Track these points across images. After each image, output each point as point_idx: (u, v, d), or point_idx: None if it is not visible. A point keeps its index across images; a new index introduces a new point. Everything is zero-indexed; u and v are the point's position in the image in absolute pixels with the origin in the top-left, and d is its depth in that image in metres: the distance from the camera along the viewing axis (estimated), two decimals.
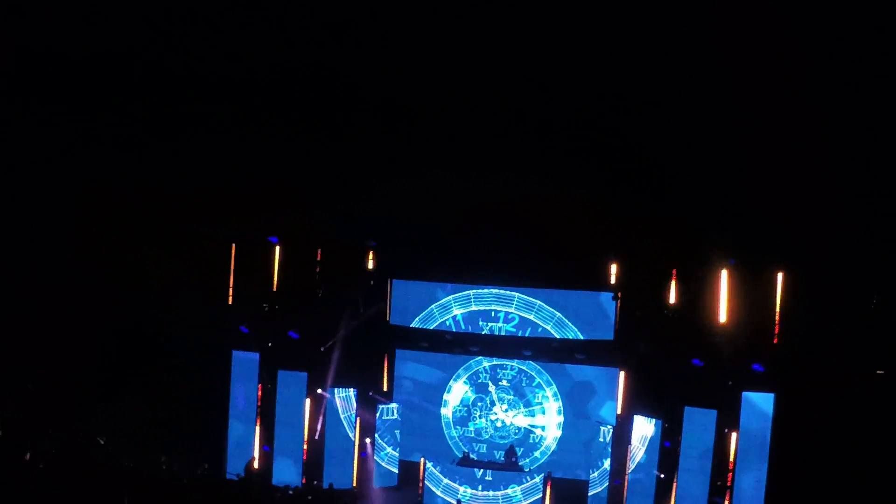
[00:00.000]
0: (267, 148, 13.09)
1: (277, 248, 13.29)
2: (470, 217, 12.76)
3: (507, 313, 12.80)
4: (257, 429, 12.99)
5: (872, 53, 10.68)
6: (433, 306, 12.96)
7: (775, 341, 12.17)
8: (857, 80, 11.00)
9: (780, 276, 12.15)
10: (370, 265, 12.99)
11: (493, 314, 12.79)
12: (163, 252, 13.20)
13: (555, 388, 12.75)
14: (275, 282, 13.26)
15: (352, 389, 12.94)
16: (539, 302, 12.66)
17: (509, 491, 12.89)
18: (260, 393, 12.91)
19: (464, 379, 12.96)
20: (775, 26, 10.59)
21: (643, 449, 12.31)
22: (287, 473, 12.65)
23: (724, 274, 12.18)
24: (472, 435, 12.98)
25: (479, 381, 12.93)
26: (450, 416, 13.03)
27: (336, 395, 13.05)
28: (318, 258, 13.19)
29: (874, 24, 10.66)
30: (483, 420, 12.94)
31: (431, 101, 12.71)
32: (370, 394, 12.55)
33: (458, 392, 12.97)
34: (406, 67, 11.91)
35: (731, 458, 12.10)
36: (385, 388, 12.92)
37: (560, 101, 11.83)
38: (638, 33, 11.35)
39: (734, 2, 10.96)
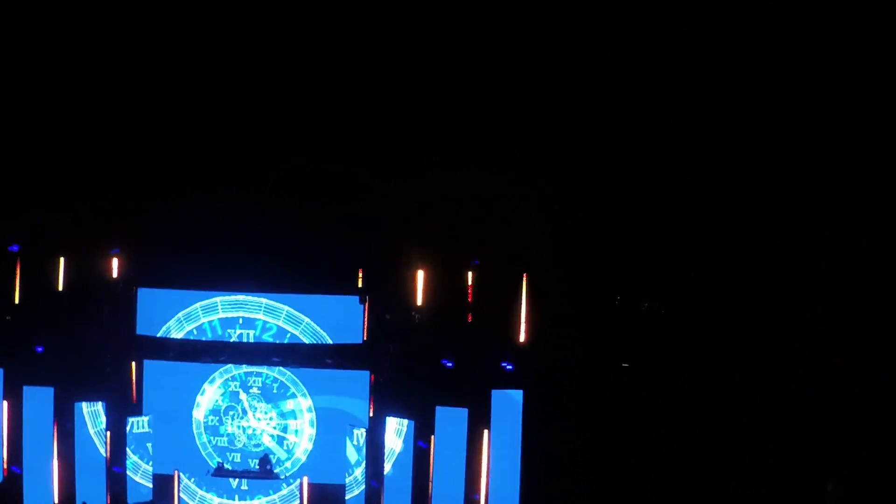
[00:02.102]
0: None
1: (18, 259, 12.88)
2: (217, 222, 12.77)
3: (257, 320, 12.81)
4: (4, 450, 12.61)
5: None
6: (180, 314, 12.85)
7: (522, 339, 12.56)
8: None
9: (524, 276, 12.54)
10: (115, 273, 12.72)
11: (240, 321, 12.78)
12: None
13: (306, 392, 12.97)
14: (16, 293, 12.88)
15: (100, 403, 12.71)
16: (287, 308, 12.74)
17: (266, 499, 12.92)
18: (6, 412, 12.55)
19: (217, 384, 12.95)
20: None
21: (398, 450, 12.56)
22: (39, 493, 12.32)
23: (470, 275, 12.48)
24: (226, 444, 13.03)
25: (230, 389, 12.93)
26: (202, 424, 13.00)
27: (84, 410, 12.77)
28: (61, 268, 12.80)
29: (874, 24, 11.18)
30: (236, 428, 12.96)
31: (180, 99, 12.59)
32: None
33: (209, 398, 12.95)
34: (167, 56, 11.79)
35: (486, 454, 12.47)
36: (134, 400, 12.71)
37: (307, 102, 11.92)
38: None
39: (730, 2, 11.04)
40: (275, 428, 13.55)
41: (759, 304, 12.83)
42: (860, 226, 12.23)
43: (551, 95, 12.17)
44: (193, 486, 13.35)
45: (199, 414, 13.62)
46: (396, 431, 13.14)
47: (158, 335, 13.48)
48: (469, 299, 12.98)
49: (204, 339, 13.42)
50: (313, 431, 13.53)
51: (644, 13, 11.59)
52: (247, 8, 11.78)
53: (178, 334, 13.47)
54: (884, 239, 12.35)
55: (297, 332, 13.36)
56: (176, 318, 13.49)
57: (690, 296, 13.10)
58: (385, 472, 13.12)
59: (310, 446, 13.55)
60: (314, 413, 13.51)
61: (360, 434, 13.28)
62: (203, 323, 13.47)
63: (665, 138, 12.50)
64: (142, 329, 13.45)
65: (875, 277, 12.38)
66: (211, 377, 13.59)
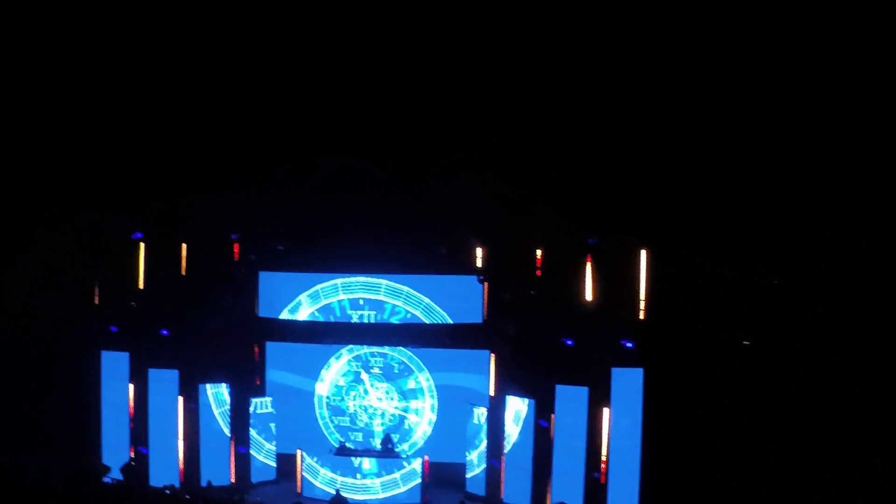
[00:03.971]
0: (124, 143, 13.24)
1: (142, 245, 13.42)
2: (334, 206, 13.12)
3: (377, 301, 13.21)
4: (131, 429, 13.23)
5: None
6: (301, 296, 13.31)
7: (642, 317, 12.70)
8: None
9: (643, 253, 12.67)
10: (236, 258, 13.22)
11: (360, 302, 13.19)
12: (24, 252, 13.35)
13: (427, 373, 13.42)
14: (141, 279, 13.44)
15: (224, 385, 13.20)
16: (407, 288, 13.10)
17: (387, 477, 13.34)
18: (132, 393, 13.14)
19: (339, 365, 13.41)
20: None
21: (518, 428, 12.84)
22: (164, 472, 12.89)
23: (589, 253, 12.64)
24: (348, 423, 13.49)
25: (352, 369, 13.36)
26: (324, 404, 13.47)
27: (208, 391, 13.32)
28: (183, 253, 13.32)
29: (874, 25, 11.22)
30: (357, 408, 13.40)
31: (290, 97, 12.98)
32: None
33: (330, 379, 13.44)
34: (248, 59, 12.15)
35: (605, 433, 12.66)
36: (257, 382, 13.22)
37: (403, 93, 12.19)
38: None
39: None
40: (396, 407, 13.95)
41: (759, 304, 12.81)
42: (860, 226, 12.17)
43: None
44: (316, 465, 13.85)
45: (320, 394, 14.08)
46: (515, 415, 13.41)
47: (280, 317, 13.95)
48: (587, 277, 13.13)
49: (325, 319, 13.87)
50: (434, 411, 13.90)
51: (644, 14, 11.60)
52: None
53: (300, 316, 13.94)
54: (884, 239, 12.28)
55: (417, 313, 13.71)
56: (297, 300, 13.96)
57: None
58: (505, 451, 13.44)
59: (430, 425, 13.92)
60: (435, 392, 13.87)
61: (481, 413, 13.61)
62: (323, 305, 13.91)
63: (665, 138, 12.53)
64: (263, 312, 13.93)
65: (875, 277, 12.32)
66: (331, 358, 14.03)
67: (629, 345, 13.15)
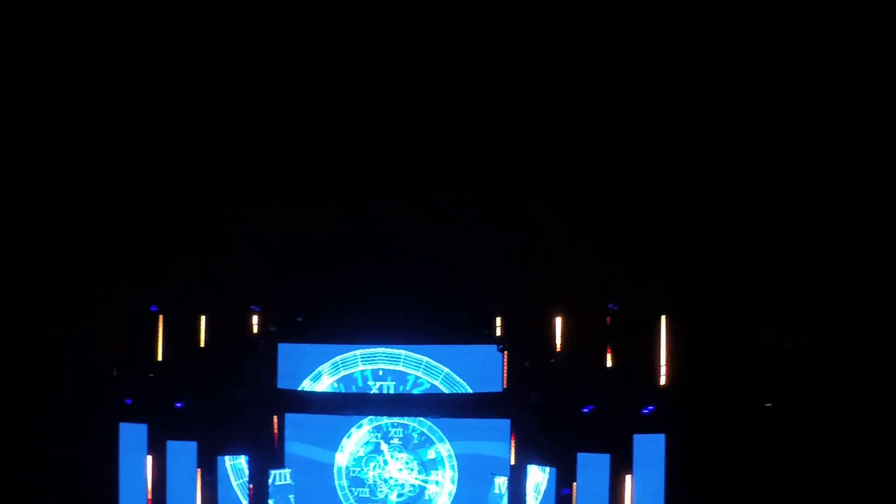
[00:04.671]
0: (141, 208, 13.41)
1: (160, 317, 13.54)
2: (353, 277, 13.25)
3: (397, 372, 13.30)
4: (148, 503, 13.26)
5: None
6: (322, 367, 13.41)
7: (663, 383, 12.78)
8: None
9: (663, 318, 12.76)
10: (255, 329, 13.33)
11: (380, 373, 13.27)
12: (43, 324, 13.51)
13: (447, 442, 13.39)
14: (159, 351, 13.55)
15: (243, 456, 13.26)
16: (426, 358, 13.19)
17: None
18: (151, 466, 13.19)
19: (358, 436, 13.48)
20: None
21: (539, 498, 12.85)
22: None
23: (608, 319, 12.75)
24: (367, 495, 13.50)
25: (371, 440, 13.41)
26: (343, 475, 13.51)
27: (227, 463, 13.36)
28: (202, 325, 13.44)
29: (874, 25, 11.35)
30: (377, 479, 13.44)
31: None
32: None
33: (350, 450, 13.49)
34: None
35: (628, 500, 12.67)
36: (276, 453, 13.27)
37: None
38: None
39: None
40: (416, 478, 13.96)
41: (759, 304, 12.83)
42: (860, 226, 12.28)
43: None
44: None
45: (340, 465, 14.09)
46: (535, 487, 13.39)
47: (299, 388, 14.03)
48: (608, 343, 13.21)
49: (345, 390, 13.93)
50: (454, 481, 13.90)
51: (644, 13, 11.79)
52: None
53: (320, 387, 14.01)
54: (884, 239, 12.38)
55: (436, 383, 13.78)
56: (317, 371, 14.05)
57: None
58: None
59: (450, 496, 13.91)
60: (455, 462, 13.89)
61: (502, 483, 13.60)
62: (343, 375, 13.98)
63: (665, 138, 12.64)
64: (283, 383, 14.01)
65: (875, 277, 12.42)
66: (350, 429, 14.07)
67: (650, 410, 13.21)
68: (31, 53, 12.59)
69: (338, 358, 14.03)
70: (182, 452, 13.78)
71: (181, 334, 14.03)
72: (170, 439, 13.81)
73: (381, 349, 13.90)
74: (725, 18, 11.39)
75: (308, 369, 14.11)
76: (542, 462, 13.40)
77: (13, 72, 12.60)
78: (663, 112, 12.42)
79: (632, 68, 12.13)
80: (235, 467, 14.01)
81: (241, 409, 13.83)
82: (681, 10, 11.60)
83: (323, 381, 14.09)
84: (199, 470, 13.69)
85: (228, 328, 13.92)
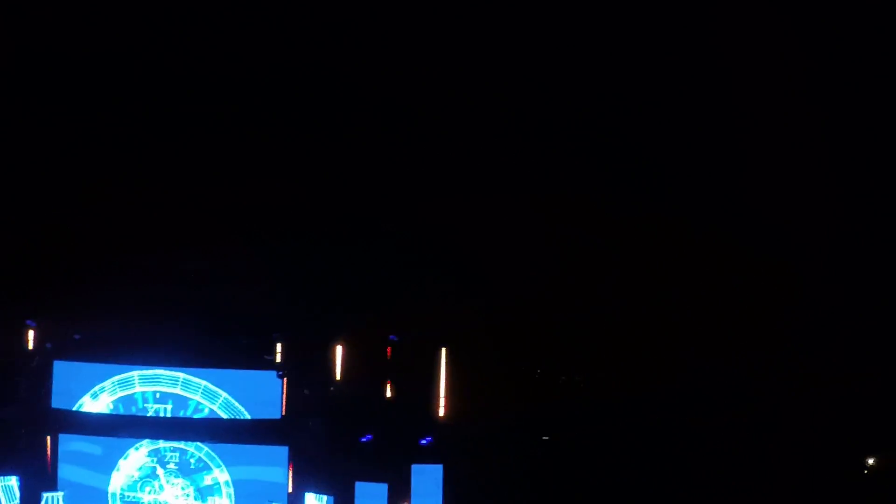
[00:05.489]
0: None
1: None
2: (134, 296, 13.05)
3: (175, 395, 13.14)
4: None
5: None
6: (98, 387, 13.16)
7: (442, 414, 12.97)
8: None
9: (443, 351, 12.95)
10: (30, 345, 13.00)
11: (157, 395, 13.10)
12: None
13: (224, 468, 13.32)
14: None
15: (14, 478, 12.93)
16: (205, 382, 13.08)
17: None
18: None
19: (134, 458, 13.25)
20: None
21: None
22: None
23: (389, 350, 12.88)
24: None
25: (146, 463, 13.21)
26: (118, 499, 13.28)
27: None
28: None
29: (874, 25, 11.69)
30: None
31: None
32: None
33: (125, 473, 13.25)
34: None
35: None
36: (49, 474, 12.96)
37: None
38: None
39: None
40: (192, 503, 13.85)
41: (759, 304, 13.07)
42: (860, 226, 12.58)
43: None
44: None
45: (114, 489, 13.86)
46: None
47: (74, 408, 13.74)
48: (388, 374, 13.38)
49: (123, 411, 13.71)
50: None
51: (644, 13, 11.95)
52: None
53: (97, 407, 13.75)
54: (884, 239, 12.70)
55: (215, 407, 13.69)
56: (93, 391, 13.79)
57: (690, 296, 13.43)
58: None
59: None
60: (232, 488, 13.82)
61: None
62: (120, 396, 13.75)
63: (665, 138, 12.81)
64: (57, 402, 13.70)
65: (875, 277, 12.73)
66: (126, 452, 13.86)
67: (428, 441, 13.41)
68: (31, 53, 12.31)
69: (115, 378, 13.80)
70: None
71: None
72: None
73: (159, 371, 13.74)
74: (725, 19, 11.48)
75: (85, 388, 13.84)
76: (320, 490, 13.45)
77: (13, 72, 12.18)
78: (664, 112, 12.50)
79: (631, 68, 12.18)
80: (6, 489, 13.65)
81: (13, 428, 13.51)
82: (681, 11, 11.67)
83: (100, 400, 13.84)
84: None
85: (2, 342, 13.54)
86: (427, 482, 13.39)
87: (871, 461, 12.73)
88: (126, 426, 13.72)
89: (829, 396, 12.81)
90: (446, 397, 13.46)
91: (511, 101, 12.46)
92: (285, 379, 13.48)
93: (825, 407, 12.78)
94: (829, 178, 12.37)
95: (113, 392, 13.79)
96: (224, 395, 13.67)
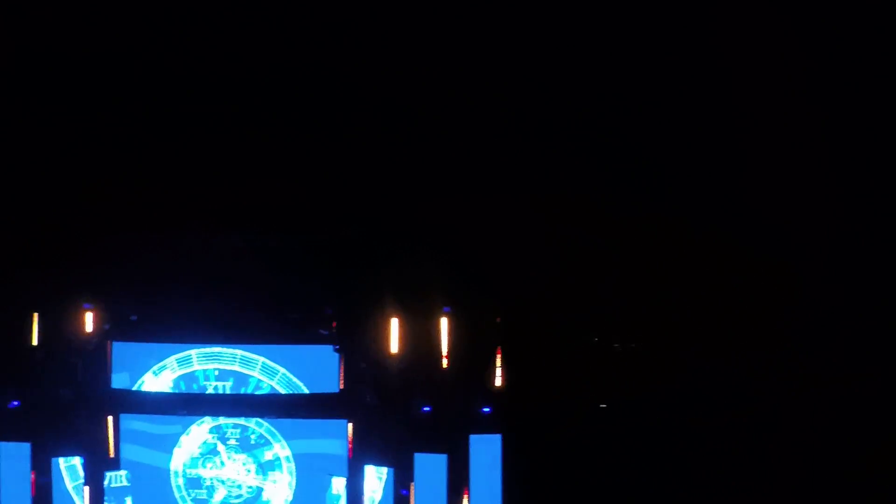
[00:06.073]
0: None
1: None
2: (188, 274, 13.19)
3: (233, 371, 13.33)
4: None
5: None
6: (157, 366, 13.36)
7: (499, 384, 13.00)
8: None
9: (499, 320, 12.98)
10: (88, 328, 13.19)
11: (216, 373, 13.29)
12: None
13: (285, 442, 13.46)
14: None
15: (78, 458, 13.17)
16: (262, 359, 13.22)
17: None
18: None
19: (194, 436, 13.46)
20: None
21: (378, 498, 13.01)
22: None
23: (444, 321, 12.92)
24: (205, 496, 13.52)
25: (207, 440, 13.42)
26: (180, 476, 13.49)
27: (61, 465, 13.26)
28: (34, 322, 13.27)
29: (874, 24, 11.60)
30: (214, 480, 13.45)
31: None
32: None
33: (186, 450, 13.45)
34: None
35: (465, 499, 12.92)
36: (112, 455, 13.18)
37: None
38: None
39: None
40: (254, 479, 14.01)
41: (759, 304, 13.05)
42: (860, 226, 12.53)
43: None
44: None
45: (176, 466, 14.08)
46: (377, 478, 13.61)
47: (134, 388, 13.95)
48: (444, 345, 13.41)
49: (182, 390, 13.91)
50: (293, 481, 14.00)
51: (644, 13, 11.93)
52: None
53: (156, 387, 13.96)
54: (884, 239, 12.64)
55: (273, 383, 13.83)
56: (152, 370, 13.99)
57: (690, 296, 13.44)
58: None
59: (289, 496, 14.01)
60: (293, 463, 13.98)
61: (340, 483, 13.73)
62: (179, 375, 13.95)
63: (665, 138, 12.81)
64: (117, 383, 13.91)
65: (875, 277, 12.69)
66: (188, 429, 14.05)
67: (487, 410, 13.46)
68: (32, 53, 12.43)
69: (173, 357, 13.98)
70: (15, 454, 13.62)
71: (13, 332, 13.82)
72: (2, 440, 13.66)
73: (216, 348, 13.89)
74: (725, 18, 11.49)
75: (144, 368, 14.04)
76: (379, 462, 13.57)
77: (13, 72, 12.38)
78: (664, 112, 12.55)
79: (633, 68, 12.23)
80: (70, 469, 13.90)
81: (75, 410, 13.72)
82: (681, 11, 11.69)
83: (162, 377, 14.04)
84: (33, 472, 13.56)
85: (61, 326, 13.75)
86: (486, 452, 13.46)
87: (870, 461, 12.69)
88: (185, 404, 13.89)
89: (829, 396, 12.73)
90: (503, 367, 13.48)
91: (511, 101, 12.51)
92: (342, 353, 13.58)
93: (825, 407, 12.72)
94: (829, 178, 12.30)
95: (174, 370, 13.99)
96: (282, 370, 13.81)
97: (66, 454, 13.81)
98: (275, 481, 14.01)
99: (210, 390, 13.94)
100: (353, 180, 13.39)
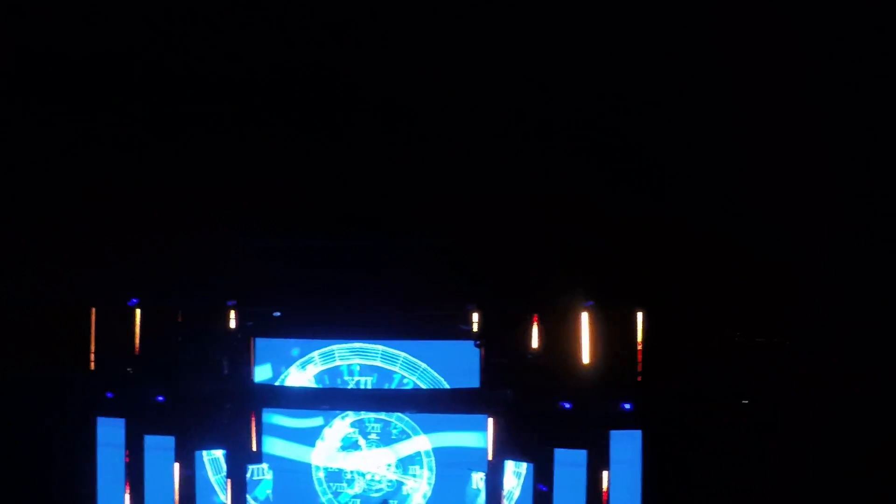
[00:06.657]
0: (117, 205, 13.56)
1: (138, 312, 13.74)
2: (328, 272, 13.42)
3: (374, 367, 13.54)
4: (127, 497, 13.47)
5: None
6: (298, 363, 13.62)
7: (639, 379, 12.99)
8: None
9: (639, 314, 12.96)
10: (232, 325, 13.52)
11: (358, 368, 13.50)
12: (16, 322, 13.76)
13: (425, 438, 13.58)
14: (136, 345, 13.76)
15: (221, 451, 13.50)
16: (404, 354, 13.40)
17: None
18: (127, 460, 13.42)
19: (335, 430, 13.71)
20: None
21: (517, 493, 13.09)
22: None
23: (584, 315, 12.94)
24: (345, 489, 13.74)
25: (348, 434, 13.65)
26: (321, 469, 13.73)
27: (205, 458, 13.61)
28: (179, 320, 13.64)
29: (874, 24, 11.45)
30: (354, 474, 13.68)
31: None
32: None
33: (327, 444, 13.71)
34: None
35: (606, 496, 12.90)
36: (254, 448, 13.49)
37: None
38: None
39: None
40: (393, 473, 14.20)
41: (759, 304, 13.04)
42: (860, 226, 12.44)
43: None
44: None
45: (317, 460, 14.34)
46: (514, 473, 13.68)
47: (277, 383, 14.23)
48: (584, 340, 13.43)
49: (324, 385, 14.16)
50: (431, 475, 14.15)
51: (644, 13, 11.91)
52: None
53: (298, 382, 14.24)
54: (884, 239, 12.55)
55: (414, 378, 14.00)
56: (294, 366, 14.28)
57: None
58: None
59: (428, 490, 14.16)
60: (432, 457, 14.13)
61: (479, 478, 13.84)
62: (321, 371, 14.20)
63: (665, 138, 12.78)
64: (259, 378, 14.22)
65: (875, 277, 12.59)
66: (330, 422, 14.30)
67: (627, 406, 13.44)
68: (31, 53, 12.71)
69: (314, 353, 14.23)
70: (160, 447, 14.00)
71: (159, 329, 14.21)
72: (147, 434, 14.04)
73: (357, 344, 14.10)
74: (725, 18, 11.48)
75: (285, 364, 14.33)
76: (519, 457, 13.63)
77: (13, 72, 12.74)
78: (664, 112, 12.56)
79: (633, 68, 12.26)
80: (213, 461, 14.24)
81: (218, 404, 14.06)
82: (681, 10, 11.70)
83: (307, 371, 14.32)
84: (176, 465, 13.92)
85: (205, 323, 14.09)
86: (626, 448, 13.43)
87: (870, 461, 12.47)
88: (326, 399, 14.15)
89: (829, 396, 12.50)
90: (644, 362, 13.44)
91: (511, 101, 12.51)
92: (482, 349, 13.69)
93: (825, 407, 12.49)
94: (829, 177, 12.10)
95: (318, 365, 14.26)
96: (423, 365, 13.97)
97: (209, 447, 14.18)
98: (415, 475, 14.18)
99: (352, 385, 14.17)
100: (487, 185, 13.50)
